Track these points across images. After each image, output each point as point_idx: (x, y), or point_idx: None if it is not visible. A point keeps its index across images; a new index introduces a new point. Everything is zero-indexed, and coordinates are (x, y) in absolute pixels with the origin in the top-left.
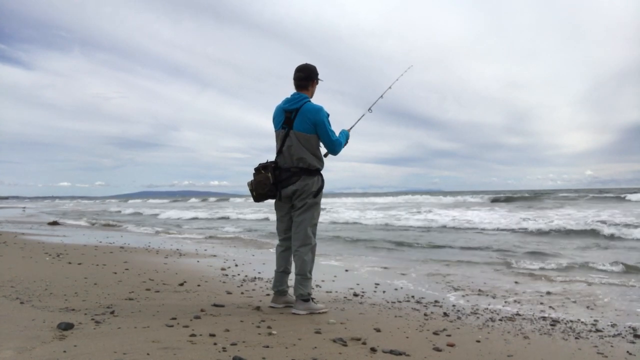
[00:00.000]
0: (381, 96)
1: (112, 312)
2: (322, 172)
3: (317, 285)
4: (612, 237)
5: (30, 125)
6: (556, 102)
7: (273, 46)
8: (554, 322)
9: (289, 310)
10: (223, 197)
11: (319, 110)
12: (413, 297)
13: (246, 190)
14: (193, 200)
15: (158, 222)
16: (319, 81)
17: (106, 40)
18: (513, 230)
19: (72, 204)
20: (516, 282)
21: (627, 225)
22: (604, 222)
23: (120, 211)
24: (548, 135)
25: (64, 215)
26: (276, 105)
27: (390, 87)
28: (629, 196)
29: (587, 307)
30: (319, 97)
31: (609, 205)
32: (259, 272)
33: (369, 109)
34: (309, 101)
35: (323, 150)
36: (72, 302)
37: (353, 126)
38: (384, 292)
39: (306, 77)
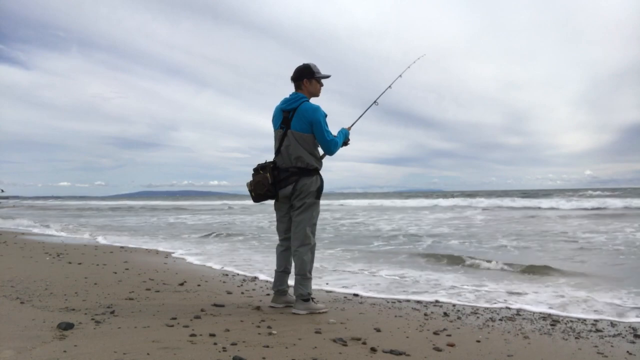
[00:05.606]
0: (390, 86)
1: (112, 312)
2: (321, 171)
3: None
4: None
5: (29, 125)
6: (555, 102)
7: (271, 46)
8: (554, 322)
9: (289, 310)
10: (223, 196)
11: (315, 109)
12: (413, 297)
13: (246, 190)
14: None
15: None
16: (320, 82)
17: (104, 40)
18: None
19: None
20: (516, 282)
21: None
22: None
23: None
24: (547, 135)
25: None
26: (275, 106)
27: (400, 76)
28: None
29: (588, 307)
30: (318, 97)
31: None
32: (259, 272)
33: (375, 101)
34: (307, 101)
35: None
36: (72, 302)
37: (356, 121)
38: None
39: (296, 77)
